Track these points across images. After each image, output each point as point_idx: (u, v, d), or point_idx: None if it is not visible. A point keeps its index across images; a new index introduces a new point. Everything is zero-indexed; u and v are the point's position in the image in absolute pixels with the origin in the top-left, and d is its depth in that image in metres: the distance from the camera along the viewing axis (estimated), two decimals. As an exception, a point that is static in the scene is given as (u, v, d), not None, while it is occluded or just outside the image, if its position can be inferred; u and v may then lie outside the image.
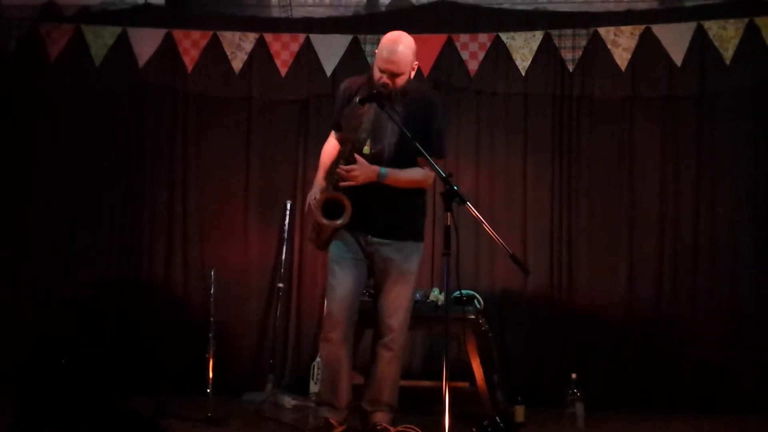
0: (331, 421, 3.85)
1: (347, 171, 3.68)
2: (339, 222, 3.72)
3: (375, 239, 3.83)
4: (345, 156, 3.74)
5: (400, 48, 3.76)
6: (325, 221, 3.76)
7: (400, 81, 3.79)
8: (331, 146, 4.03)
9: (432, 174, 3.77)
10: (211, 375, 4.50)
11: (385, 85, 3.74)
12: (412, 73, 3.89)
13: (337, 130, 4.00)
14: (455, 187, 3.31)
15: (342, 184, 3.72)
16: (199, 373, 4.72)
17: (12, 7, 5.75)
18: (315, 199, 3.83)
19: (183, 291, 5.67)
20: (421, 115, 3.82)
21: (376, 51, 3.84)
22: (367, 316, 4.06)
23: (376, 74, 3.77)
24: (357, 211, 3.73)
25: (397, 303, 3.87)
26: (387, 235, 3.84)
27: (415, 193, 3.92)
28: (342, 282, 3.86)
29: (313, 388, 5.17)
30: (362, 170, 3.69)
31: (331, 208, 3.75)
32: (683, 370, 5.30)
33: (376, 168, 3.70)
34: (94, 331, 5.51)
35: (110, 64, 5.71)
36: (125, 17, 5.76)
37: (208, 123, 5.84)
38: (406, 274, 3.88)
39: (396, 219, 3.85)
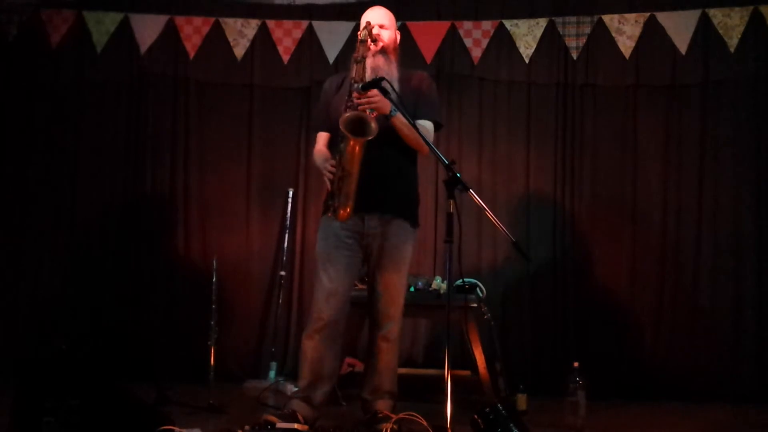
0: (298, 415, 3.69)
1: (368, 94, 3.56)
2: (369, 136, 3.53)
3: (371, 226, 3.77)
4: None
5: (380, 8, 3.94)
6: (357, 136, 3.53)
7: (386, 36, 3.83)
8: (321, 146, 3.94)
9: (429, 134, 3.78)
10: (212, 362, 4.50)
11: (375, 39, 3.76)
12: (397, 37, 3.94)
13: (323, 129, 3.96)
14: (458, 175, 3.29)
15: (359, 102, 3.57)
16: (200, 361, 4.73)
17: (13, -8, 5.74)
18: (346, 115, 3.56)
19: (185, 279, 5.66)
20: (413, 92, 3.82)
21: (358, 31, 3.80)
22: (365, 306, 4.02)
23: (361, 34, 3.73)
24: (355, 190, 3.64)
25: (392, 292, 3.84)
26: (382, 209, 3.77)
27: (409, 172, 3.91)
28: (334, 280, 3.75)
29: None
30: (380, 97, 3.56)
31: (352, 128, 3.55)
32: (685, 359, 5.29)
33: (388, 102, 3.61)
34: (96, 318, 5.53)
35: (112, 51, 5.70)
36: (127, 3, 5.74)
37: (209, 110, 5.83)
38: (400, 262, 3.84)
39: (392, 193, 3.79)
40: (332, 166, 3.66)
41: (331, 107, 3.87)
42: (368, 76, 3.67)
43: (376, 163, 3.69)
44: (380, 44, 3.82)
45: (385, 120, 3.65)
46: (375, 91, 3.55)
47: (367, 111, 3.56)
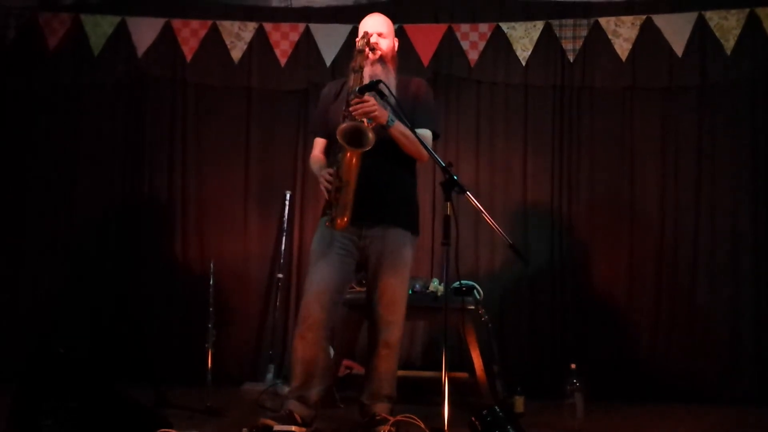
0: (296, 415, 3.64)
1: (364, 99, 3.52)
2: (367, 147, 3.48)
3: (369, 231, 3.75)
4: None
5: (379, 15, 3.90)
6: (354, 146, 3.49)
7: (384, 45, 3.81)
8: (318, 152, 3.92)
9: (428, 142, 3.74)
10: (210, 365, 4.50)
11: (373, 47, 3.73)
12: (395, 45, 3.91)
13: (320, 135, 3.94)
14: (455, 177, 3.29)
15: (355, 109, 3.53)
16: (198, 363, 4.73)
17: (11, -3, 5.75)
18: (343, 126, 3.52)
19: (182, 281, 5.66)
20: (410, 99, 3.80)
21: (356, 40, 3.78)
22: (364, 309, 4.00)
23: (359, 44, 3.72)
24: (353, 200, 3.62)
25: (392, 298, 3.78)
26: (381, 219, 3.74)
27: (407, 181, 3.89)
28: (324, 277, 3.72)
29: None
30: (378, 106, 3.55)
31: (350, 138, 3.52)
32: (684, 359, 5.30)
33: (386, 112, 3.59)
34: (95, 320, 5.53)
35: (109, 54, 5.70)
36: (124, 6, 5.75)
37: (207, 113, 5.83)
38: (399, 266, 3.79)
39: (390, 203, 3.77)
40: (330, 175, 3.64)
41: (329, 113, 3.84)
42: None
43: (375, 173, 3.67)
44: (378, 53, 3.78)
45: (382, 130, 3.63)
46: (372, 100, 3.53)
47: (365, 120, 3.54)
